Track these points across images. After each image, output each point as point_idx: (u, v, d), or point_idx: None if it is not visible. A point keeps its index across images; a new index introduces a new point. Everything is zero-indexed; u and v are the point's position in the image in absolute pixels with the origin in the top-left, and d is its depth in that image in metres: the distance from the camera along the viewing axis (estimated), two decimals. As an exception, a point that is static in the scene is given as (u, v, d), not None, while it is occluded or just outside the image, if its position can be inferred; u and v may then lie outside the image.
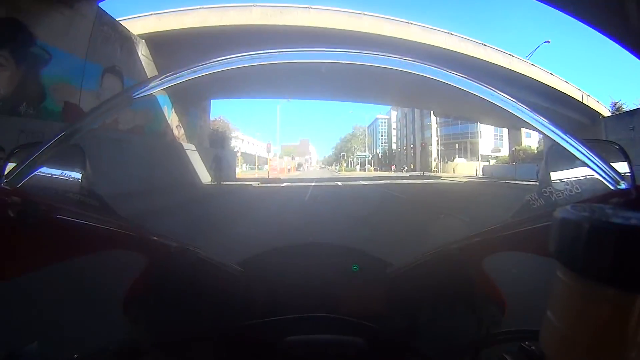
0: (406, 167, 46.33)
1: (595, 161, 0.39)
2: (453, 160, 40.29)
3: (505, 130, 48.40)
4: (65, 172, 0.48)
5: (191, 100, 15.34)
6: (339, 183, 18.79)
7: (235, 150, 26.74)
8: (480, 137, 46.59)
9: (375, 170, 57.81)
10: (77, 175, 0.49)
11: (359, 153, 55.69)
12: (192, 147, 15.14)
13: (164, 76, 0.47)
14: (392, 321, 0.63)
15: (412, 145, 59.27)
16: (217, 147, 18.66)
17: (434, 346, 0.57)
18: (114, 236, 0.48)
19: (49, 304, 2.15)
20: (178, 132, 14.63)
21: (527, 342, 0.46)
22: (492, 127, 47.75)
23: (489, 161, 37.75)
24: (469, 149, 47.74)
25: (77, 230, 0.42)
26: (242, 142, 53.11)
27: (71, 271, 1.57)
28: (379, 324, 0.58)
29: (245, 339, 0.57)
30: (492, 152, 40.36)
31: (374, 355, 0.52)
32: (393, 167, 55.91)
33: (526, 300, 0.77)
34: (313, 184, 17.39)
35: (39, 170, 0.43)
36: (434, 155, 51.18)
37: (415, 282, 0.64)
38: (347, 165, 68.03)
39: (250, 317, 0.60)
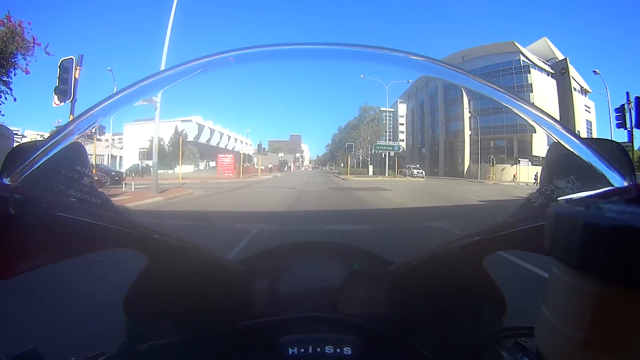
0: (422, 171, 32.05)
1: (596, 159, 0.39)
2: (516, 164, 27.34)
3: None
4: (66, 169, 0.48)
5: None
6: None
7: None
8: (535, 132, 34.46)
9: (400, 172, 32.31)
10: (78, 173, 0.49)
11: (379, 143, 35.04)
12: None
13: (167, 70, 0.47)
14: (391, 320, 0.64)
15: (431, 143, 47.03)
16: None
17: (433, 345, 0.57)
18: (114, 234, 0.48)
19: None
20: None
21: (523, 338, 0.49)
22: (542, 120, 36.02)
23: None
24: (515, 148, 35.77)
25: (78, 228, 0.42)
26: (219, 135, 39.79)
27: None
28: (379, 323, 0.59)
29: (245, 338, 0.57)
30: None
31: (373, 354, 0.53)
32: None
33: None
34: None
35: (40, 168, 0.42)
36: (467, 154, 39.10)
37: (415, 281, 0.64)
38: (349, 165, 46.82)
39: (250, 316, 0.61)
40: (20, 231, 0.35)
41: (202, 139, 34.86)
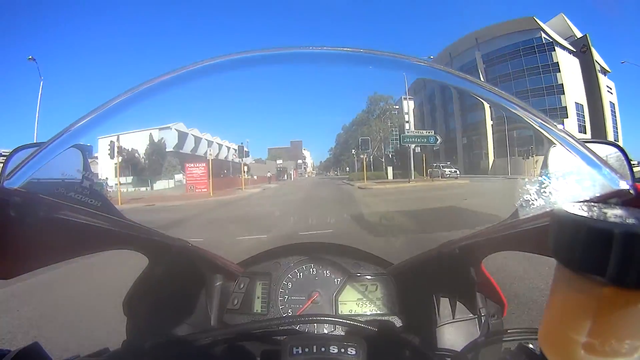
0: (454, 170, 26.51)
1: (594, 161, 0.39)
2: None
3: (585, 108, 32.55)
4: (66, 172, 0.49)
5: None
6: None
7: None
8: (567, 117, 30.08)
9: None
10: (78, 175, 0.50)
11: (408, 134, 24.96)
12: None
13: (173, 72, 0.46)
14: (392, 320, 0.64)
15: (445, 138, 42.56)
16: None
17: (434, 346, 0.56)
18: (115, 236, 0.48)
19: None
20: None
21: (526, 341, 0.49)
22: (572, 104, 31.68)
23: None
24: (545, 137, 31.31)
25: (78, 229, 0.42)
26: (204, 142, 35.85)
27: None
28: (379, 323, 0.59)
29: (247, 337, 0.58)
30: None
31: (376, 354, 0.53)
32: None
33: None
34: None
35: (41, 170, 0.43)
36: (490, 148, 34.64)
37: (415, 281, 0.65)
38: (352, 169, 34.89)
39: (251, 316, 0.62)
40: (21, 233, 0.35)
41: (186, 149, 30.77)
